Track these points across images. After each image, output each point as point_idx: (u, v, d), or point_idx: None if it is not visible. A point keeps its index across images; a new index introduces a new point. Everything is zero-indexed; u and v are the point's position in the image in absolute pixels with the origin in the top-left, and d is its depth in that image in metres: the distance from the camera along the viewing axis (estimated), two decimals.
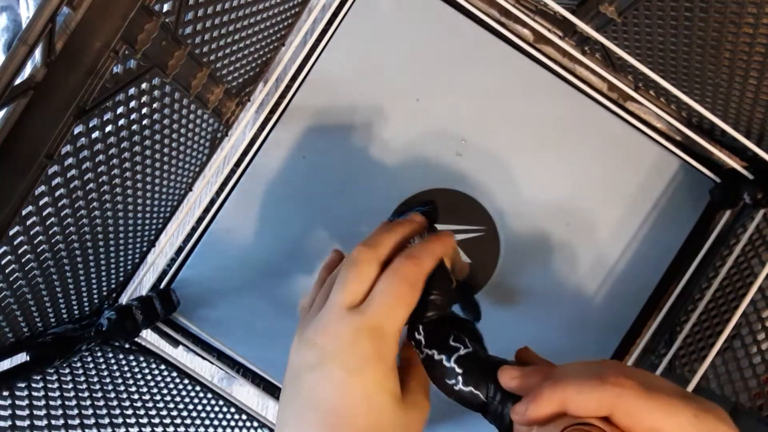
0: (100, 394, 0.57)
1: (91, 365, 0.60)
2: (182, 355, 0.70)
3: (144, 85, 0.45)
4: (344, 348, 0.29)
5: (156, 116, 0.50)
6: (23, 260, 0.42)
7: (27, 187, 0.37)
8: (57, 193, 0.41)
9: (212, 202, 0.69)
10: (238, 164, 0.69)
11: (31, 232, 0.41)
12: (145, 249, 0.68)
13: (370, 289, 0.31)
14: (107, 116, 0.42)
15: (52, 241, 0.44)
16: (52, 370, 0.55)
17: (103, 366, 0.61)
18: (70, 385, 0.55)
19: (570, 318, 0.69)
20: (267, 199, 0.69)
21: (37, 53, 0.33)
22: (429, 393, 0.33)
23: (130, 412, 0.58)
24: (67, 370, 0.56)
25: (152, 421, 0.60)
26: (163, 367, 0.68)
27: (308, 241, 0.69)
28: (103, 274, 0.60)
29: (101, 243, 0.54)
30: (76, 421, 0.52)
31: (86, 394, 0.56)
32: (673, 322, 0.68)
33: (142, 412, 0.60)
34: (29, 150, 0.36)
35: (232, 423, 0.69)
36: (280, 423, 0.30)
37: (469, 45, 0.68)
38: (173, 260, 0.69)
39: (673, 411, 0.24)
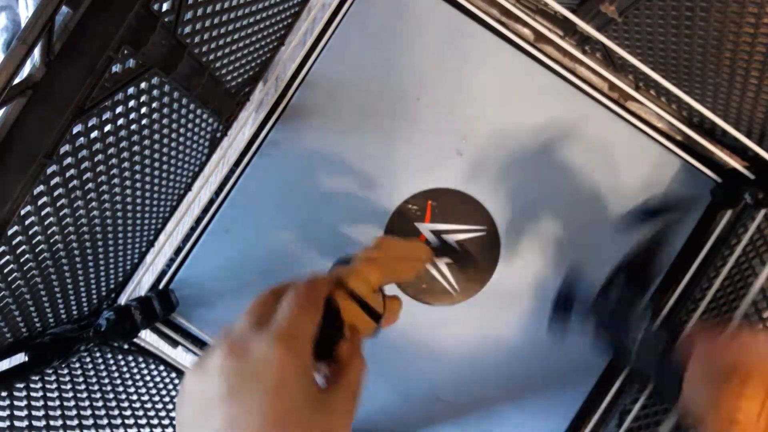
0: (98, 395, 0.57)
1: (90, 366, 0.59)
2: (181, 356, 0.70)
3: (143, 85, 0.45)
4: (259, 366, 0.25)
5: (155, 116, 0.50)
6: (22, 260, 0.42)
7: (26, 187, 0.37)
8: (56, 193, 0.41)
9: (211, 201, 0.69)
10: (237, 164, 0.69)
11: (30, 232, 0.41)
12: (144, 249, 0.68)
13: (271, 311, 0.29)
14: (106, 116, 0.41)
15: (51, 240, 0.44)
16: (50, 371, 0.54)
17: (102, 367, 0.61)
18: (69, 386, 0.55)
19: (571, 317, 0.68)
20: (266, 199, 0.68)
21: (36, 53, 0.33)
22: (357, 395, 0.30)
23: (128, 413, 0.58)
24: (66, 371, 0.56)
25: (151, 422, 0.60)
26: (162, 367, 0.68)
27: (307, 241, 0.68)
28: (102, 274, 0.60)
29: (100, 243, 0.54)
30: (75, 422, 0.52)
31: (85, 395, 0.56)
32: (675, 322, 0.68)
33: (140, 413, 0.59)
34: (28, 149, 0.36)
35: None
36: None
37: (470, 44, 0.68)
38: (172, 260, 0.69)
39: None
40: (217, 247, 0.69)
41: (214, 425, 0.24)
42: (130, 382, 0.62)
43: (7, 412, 0.46)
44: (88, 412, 0.54)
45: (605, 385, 0.69)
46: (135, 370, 0.65)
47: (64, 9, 0.33)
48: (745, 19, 0.45)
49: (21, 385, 0.50)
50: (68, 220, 0.45)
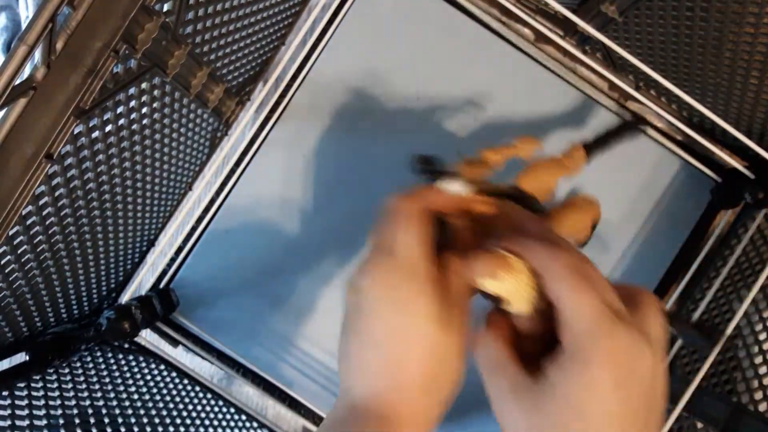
0: (99, 395, 0.57)
1: (91, 365, 0.60)
2: (182, 355, 0.70)
3: (144, 85, 0.45)
4: (381, 288, 0.28)
5: (156, 116, 0.50)
6: (23, 260, 0.42)
7: (27, 187, 0.37)
8: (57, 193, 0.41)
9: (212, 201, 0.69)
10: (237, 164, 0.69)
11: (31, 232, 0.41)
12: (144, 248, 0.68)
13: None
14: (107, 116, 0.42)
15: (52, 240, 0.44)
16: (51, 370, 0.54)
17: (103, 366, 0.61)
18: (70, 385, 0.55)
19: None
20: (266, 199, 0.69)
21: (37, 53, 0.33)
22: (465, 314, 0.32)
23: (129, 412, 0.58)
24: (67, 370, 0.56)
25: (152, 421, 0.60)
26: (162, 367, 0.68)
27: (307, 241, 0.69)
28: (103, 273, 0.60)
29: (101, 242, 0.54)
30: (76, 421, 0.52)
31: (86, 394, 0.56)
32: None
33: (141, 412, 0.60)
34: (29, 150, 0.36)
35: (232, 423, 0.69)
36: (342, 357, 0.30)
37: (470, 44, 0.68)
38: (173, 260, 0.69)
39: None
40: (218, 246, 0.69)
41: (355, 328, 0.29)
42: (130, 382, 0.63)
43: (8, 412, 0.46)
44: (90, 411, 0.54)
45: None
46: (135, 370, 0.65)
47: (65, 9, 0.33)
48: (745, 19, 0.45)
49: (22, 385, 0.50)
50: (69, 219, 0.45)
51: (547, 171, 0.45)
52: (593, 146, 0.51)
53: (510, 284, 0.29)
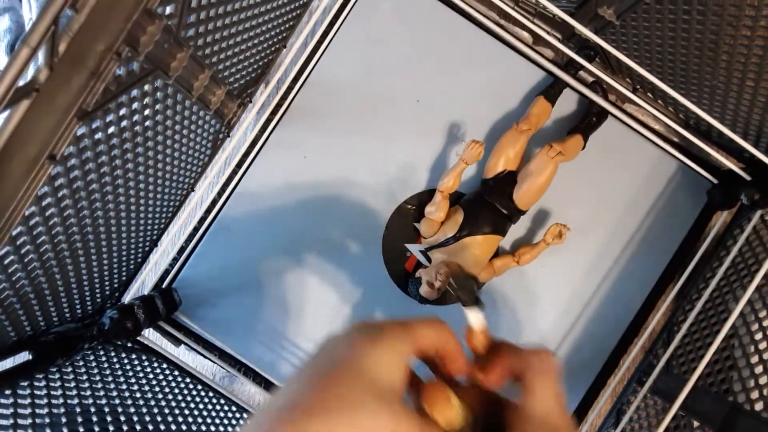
0: (102, 393, 0.58)
1: (94, 364, 0.60)
2: (184, 354, 0.71)
3: (146, 87, 0.45)
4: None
5: (158, 118, 0.50)
6: (26, 260, 0.43)
7: (30, 188, 0.37)
8: (60, 194, 0.42)
9: (214, 202, 0.70)
10: (239, 165, 0.69)
11: (34, 233, 0.41)
12: (147, 249, 0.69)
13: None
14: (110, 118, 0.42)
15: (55, 241, 0.45)
16: (54, 369, 0.55)
17: (106, 365, 0.61)
18: (73, 384, 0.56)
19: (568, 318, 0.69)
20: (268, 200, 0.69)
21: (40, 55, 0.33)
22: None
23: (132, 411, 0.59)
24: (70, 369, 0.57)
25: (154, 419, 0.60)
26: (165, 366, 0.69)
27: (308, 241, 0.69)
28: (106, 273, 0.60)
29: (104, 243, 0.54)
30: (79, 420, 0.52)
31: (88, 393, 0.56)
32: (671, 322, 0.69)
33: (144, 410, 0.60)
34: (32, 151, 0.36)
35: (234, 421, 0.69)
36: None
37: (469, 47, 0.69)
38: (175, 260, 0.70)
39: None
40: (220, 246, 0.69)
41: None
42: (133, 380, 0.63)
43: (11, 410, 0.47)
44: (92, 410, 0.55)
45: (603, 384, 0.70)
46: (138, 369, 0.65)
47: (68, 12, 0.33)
48: (741, 23, 0.45)
49: (25, 384, 0.50)
50: (72, 220, 0.46)
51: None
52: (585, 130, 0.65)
53: (442, 412, 0.32)
